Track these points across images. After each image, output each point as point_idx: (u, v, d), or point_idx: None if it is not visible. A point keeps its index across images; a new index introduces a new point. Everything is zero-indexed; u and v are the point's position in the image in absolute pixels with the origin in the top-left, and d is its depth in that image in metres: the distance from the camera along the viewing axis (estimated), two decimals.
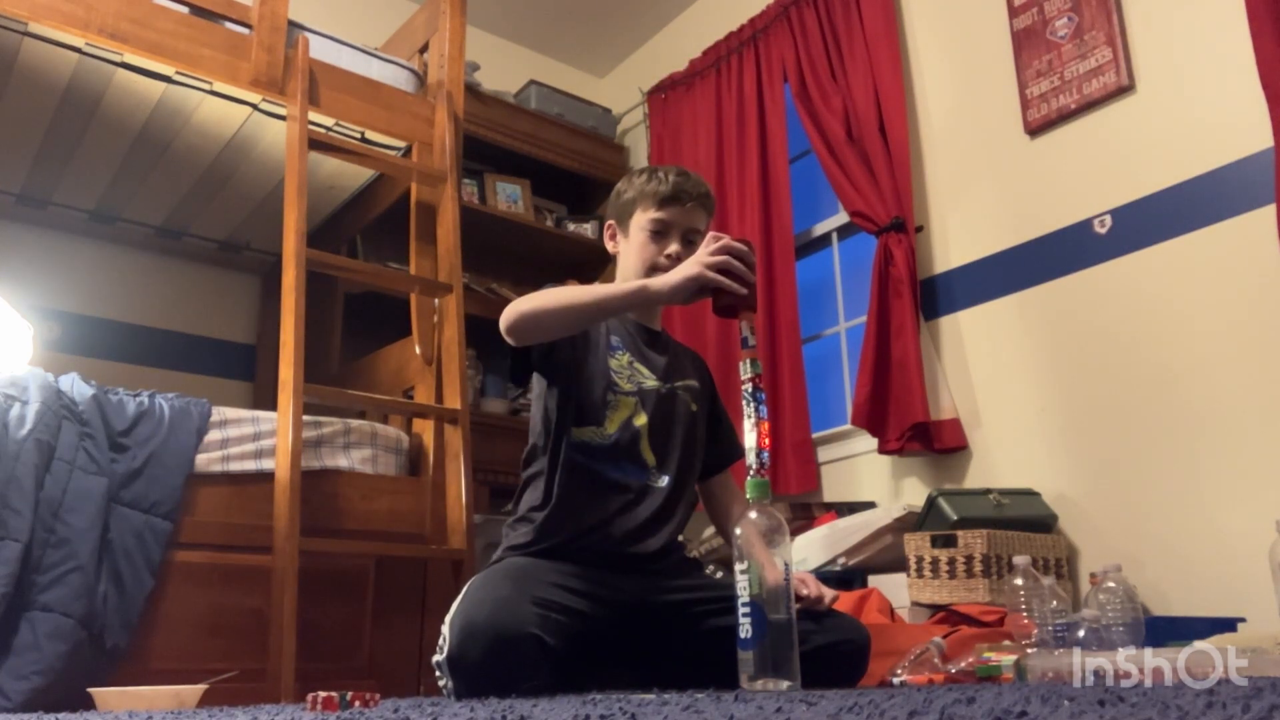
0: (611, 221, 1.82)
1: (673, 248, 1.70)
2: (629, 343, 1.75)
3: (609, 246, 1.83)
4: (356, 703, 1.17)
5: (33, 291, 2.76)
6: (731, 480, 1.89)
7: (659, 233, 1.72)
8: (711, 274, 1.41)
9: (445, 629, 1.46)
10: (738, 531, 1.32)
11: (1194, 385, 2.17)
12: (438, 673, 1.47)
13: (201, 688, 1.68)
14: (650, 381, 1.73)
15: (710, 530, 2.60)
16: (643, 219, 1.73)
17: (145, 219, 2.98)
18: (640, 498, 1.66)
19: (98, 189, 2.80)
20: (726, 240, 1.43)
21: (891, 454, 2.66)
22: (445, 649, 1.43)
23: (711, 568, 2.51)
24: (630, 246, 1.76)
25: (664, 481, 1.68)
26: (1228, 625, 1.79)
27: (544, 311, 1.51)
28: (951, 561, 2.10)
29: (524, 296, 1.55)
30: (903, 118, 2.77)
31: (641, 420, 1.68)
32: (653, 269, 1.69)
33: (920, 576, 2.15)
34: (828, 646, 1.54)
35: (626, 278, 1.75)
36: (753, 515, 1.31)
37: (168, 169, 2.70)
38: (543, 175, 3.69)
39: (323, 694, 1.15)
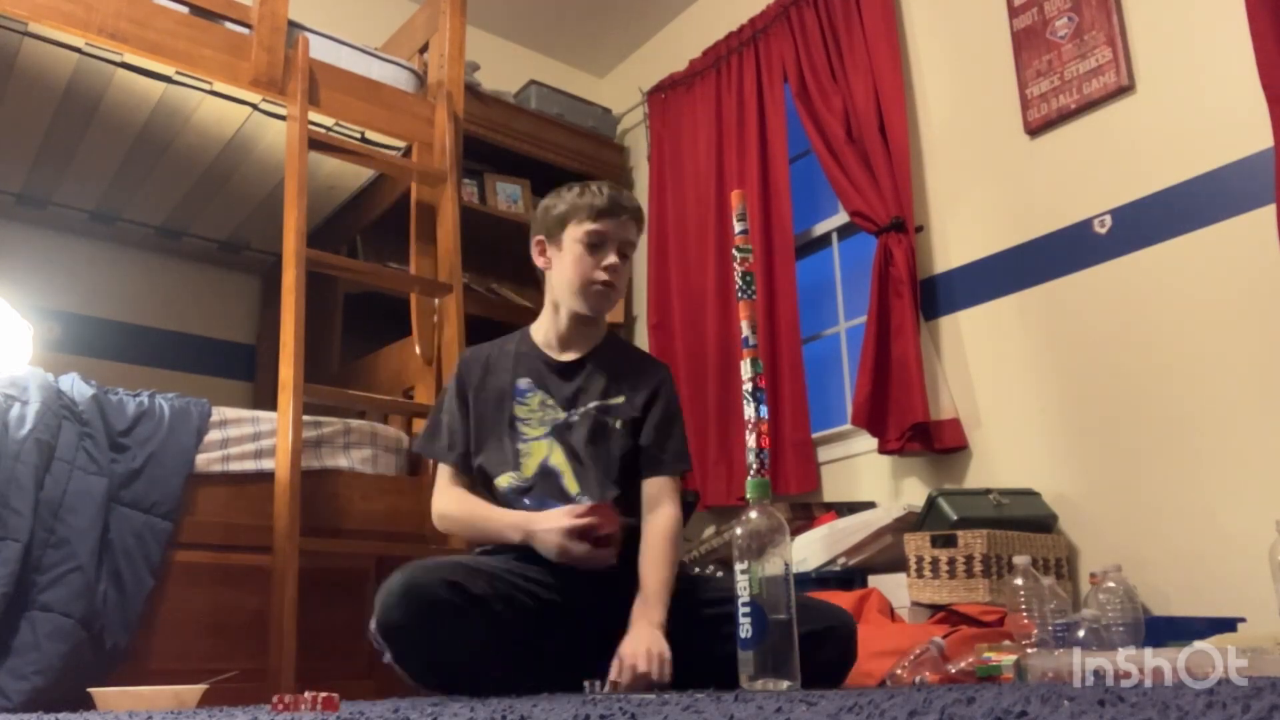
0: (540, 237, 1.80)
1: (610, 259, 1.71)
2: (538, 379, 1.76)
3: (538, 263, 1.80)
4: (316, 705, 1.18)
5: (33, 291, 2.75)
6: (654, 496, 1.71)
7: (595, 245, 1.72)
8: (571, 553, 1.53)
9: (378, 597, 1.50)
10: (737, 531, 1.32)
11: (1194, 385, 2.17)
12: (375, 645, 1.50)
13: (201, 688, 1.68)
14: (560, 414, 1.73)
15: (710, 530, 2.60)
16: (577, 231, 1.72)
17: (145, 219, 2.98)
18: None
19: (98, 189, 2.80)
20: (580, 524, 1.53)
21: (891, 454, 2.66)
22: (374, 619, 1.48)
23: (712, 568, 2.51)
24: (564, 260, 1.74)
25: (605, 497, 1.65)
26: (1228, 625, 1.79)
27: (455, 526, 1.77)
28: (951, 561, 2.10)
29: (443, 504, 1.75)
30: (903, 118, 2.77)
31: (558, 457, 1.70)
32: (590, 282, 1.71)
33: (920, 576, 2.15)
34: (813, 635, 1.51)
35: (560, 291, 1.76)
36: (753, 515, 1.31)
37: (168, 169, 2.70)
38: (543, 175, 3.68)
39: (287, 696, 1.19)
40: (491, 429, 1.73)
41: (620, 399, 1.75)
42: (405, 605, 1.44)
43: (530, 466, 1.69)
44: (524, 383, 1.76)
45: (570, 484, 1.68)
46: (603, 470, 1.69)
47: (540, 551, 1.57)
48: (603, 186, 1.76)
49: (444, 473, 1.78)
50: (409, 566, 1.50)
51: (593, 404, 1.73)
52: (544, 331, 1.81)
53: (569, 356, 1.78)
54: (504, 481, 1.70)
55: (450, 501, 1.74)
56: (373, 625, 1.48)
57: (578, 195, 1.75)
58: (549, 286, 1.80)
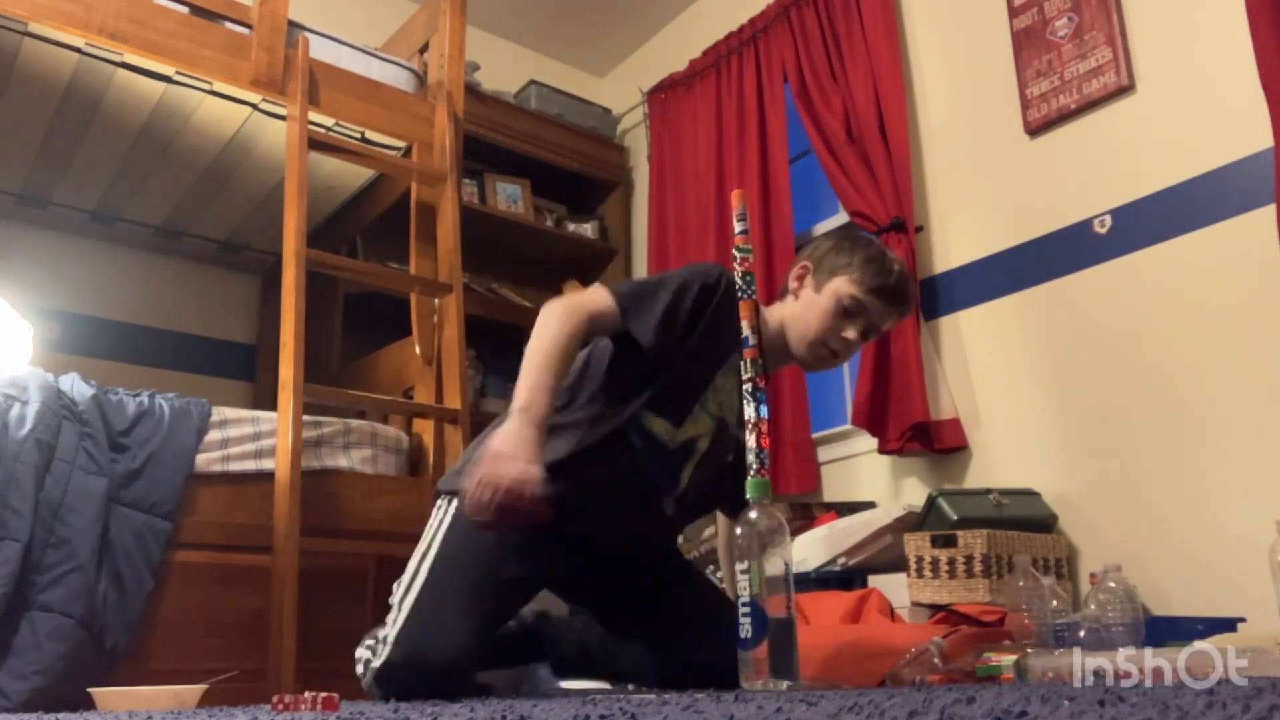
0: (808, 264, 1.71)
1: (852, 333, 1.65)
2: (740, 373, 1.55)
3: (792, 285, 1.72)
4: (316, 705, 1.18)
5: (33, 291, 2.75)
6: None
7: (850, 312, 1.65)
8: (485, 498, 1.37)
9: (387, 640, 1.46)
10: (737, 531, 1.32)
11: (1194, 385, 2.17)
12: (360, 668, 1.49)
13: (201, 688, 1.68)
14: (731, 416, 1.63)
15: (710, 530, 2.60)
16: (845, 288, 1.64)
17: (145, 219, 2.98)
18: (647, 508, 1.62)
19: (98, 189, 2.80)
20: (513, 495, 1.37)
21: (891, 454, 2.66)
22: (379, 658, 1.44)
23: (712, 568, 2.51)
24: (814, 304, 1.66)
25: (670, 509, 1.64)
26: (1228, 625, 1.79)
27: (541, 333, 1.51)
28: (951, 561, 2.10)
29: (565, 316, 1.51)
30: (903, 118, 2.77)
31: (704, 445, 1.62)
32: (823, 342, 1.65)
33: (920, 576, 2.15)
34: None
35: (792, 327, 1.68)
36: (753, 515, 1.31)
37: (168, 169, 2.70)
38: (543, 175, 3.69)
39: (287, 696, 1.19)
40: (692, 376, 1.59)
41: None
42: (418, 684, 1.41)
43: (685, 433, 1.59)
44: (734, 359, 1.57)
45: (686, 475, 1.61)
46: (701, 491, 1.64)
47: (482, 460, 1.41)
48: (895, 265, 1.67)
49: (605, 311, 1.54)
50: (428, 634, 1.42)
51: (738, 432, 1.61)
52: (767, 336, 1.66)
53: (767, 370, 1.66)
54: (654, 423, 1.56)
55: (568, 334, 1.49)
56: (376, 661, 1.45)
57: (868, 259, 1.66)
58: (787, 309, 1.71)
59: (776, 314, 1.72)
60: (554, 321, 1.50)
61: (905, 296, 1.69)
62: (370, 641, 1.53)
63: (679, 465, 1.61)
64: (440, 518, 1.58)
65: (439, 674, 1.42)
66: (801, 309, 1.69)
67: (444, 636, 1.43)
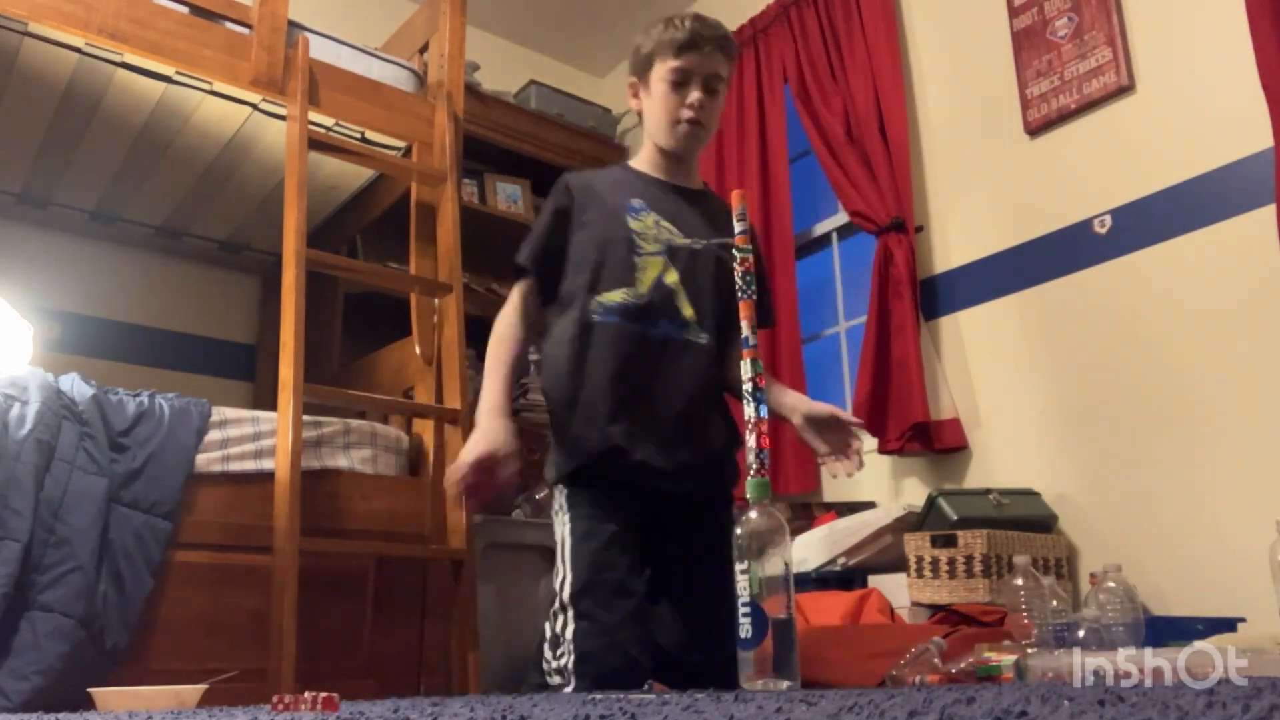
0: (633, 79, 1.78)
1: (694, 95, 1.68)
2: (654, 202, 1.73)
3: (631, 104, 1.80)
4: (316, 705, 1.18)
5: (33, 291, 2.75)
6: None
7: (679, 83, 1.69)
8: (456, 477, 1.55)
9: (566, 654, 1.54)
10: (738, 531, 1.32)
11: (1194, 385, 2.17)
12: (548, 659, 1.57)
13: (201, 688, 1.68)
14: (680, 239, 1.71)
15: None
16: (662, 69, 1.70)
17: (145, 219, 2.98)
18: (684, 354, 1.67)
19: (98, 189, 2.79)
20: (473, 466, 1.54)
21: (891, 454, 2.66)
22: (566, 670, 1.53)
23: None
24: (653, 100, 1.73)
25: (704, 339, 1.68)
26: (1228, 625, 1.79)
27: (490, 346, 1.76)
28: (951, 561, 2.10)
29: (503, 323, 1.75)
30: (903, 118, 2.77)
31: (673, 277, 1.68)
32: (676, 121, 1.70)
33: (920, 576, 2.15)
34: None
35: (652, 133, 1.77)
36: (753, 515, 1.31)
37: (168, 169, 2.70)
38: (543, 175, 3.67)
39: (287, 696, 1.19)
40: (611, 245, 1.68)
41: (734, 240, 1.74)
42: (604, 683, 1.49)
43: (645, 282, 1.67)
44: (637, 202, 1.72)
45: (685, 307, 1.68)
46: (719, 304, 1.69)
47: (479, 426, 1.61)
48: (686, 19, 1.70)
49: (519, 287, 1.76)
50: (605, 648, 1.52)
51: (714, 240, 1.72)
52: (647, 164, 1.79)
53: (682, 184, 1.78)
54: (615, 297, 1.66)
55: (506, 324, 1.74)
56: (564, 663, 1.54)
57: (661, 30, 1.71)
58: (645, 127, 1.79)
59: (646, 141, 1.79)
60: (491, 338, 1.74)
61: (707, 33, 1.70)
62: (559, 662, 1.58)
63: (669, 307, 1.67)
64: (562, 524, 1.68)
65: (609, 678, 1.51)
66: (648, 113, 1.76)
67: (613, 658, 1.52)
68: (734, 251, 1.55)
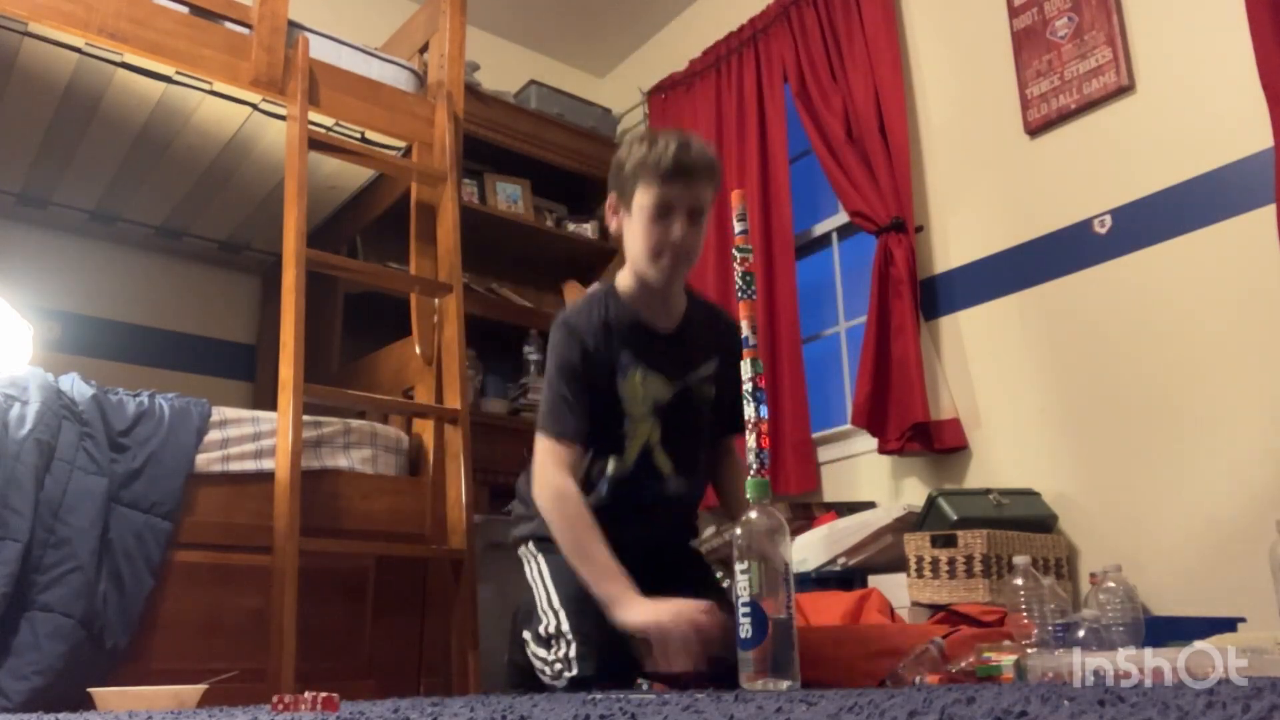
0: (613, 195, 1.70)
1: (677, 231, 1.61)
2: (639, 353, 1.68)
3: (610, 223, 1.72)
4: (316, 705, 1.18)
5: (33, 291, 2.75)
6: (728, 447, 1.85)
7: (662, 214, 1.61)
8: (667, 643, 1.40)
9: (565, 645, 1.55)
10: (737, 531, 1.32)
11: (1194, 385, 2.17)
12: (542, 657, 1.58)
13: (201, 688, 1.68)
14: (663, 392, 1.69)
15: (710, 530, 2.60)
16: (644, 198, 1.62)
17: (145, 219, 2.98)
18: (661, 509, 1.71)
19: (98, 189, 2.79)
20: (701, 623, 1.39)
21: (891, 454, 2.66)
22: (568, 659, 1.53)
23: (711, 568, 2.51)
24: (633, 226, 1.65)
25: (676, 486, 1.71)
26: (1228, 625, 1.79)
27: (554, 526, 1.60)
28: (951, 561, 2.10)
29: (553, 493, 1.60)
30: (903, 118, 2.77)
31: (655, 436, 1.68)
32: (658, 255, 1.63)
33: (920, 576, 2.15)
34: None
35: (632, 259, 1.68)
36: (753, 515, 1.31)
37: (168, 169, 2.70)
38: (543, 175, 3.69)
39: (287, 696, 1.20)
40: (601, 415, 1.65)
41: (713, 364, 1.73)
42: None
43: (634, 450, 1.66)
44: (625, 356, 1.65)
45: (664, 464, 1.67)
46: (696, 444, 1.70)
47: (622, 620, 1.46)
48: (670, 142, 1.60)
49: (560, 453, 1.61)
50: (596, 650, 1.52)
51: (694, 374, 1.70)
52: (631, 297, 1.70)
53: (667, 326, 1.70)
54: (608, 468, 1.66)
55: (562, 499, 1.58)
56: (568, 673, 1.53)
57: (645, 151, 1.62)
58: (626, 249, 1.70)
59: (628, 262, 1.71)
60: (551, 512, 1.59)
61: (692, 163, 1.61)
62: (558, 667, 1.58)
63: (650, 469, 1.68)
64: (536, 564, 1.70)
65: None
66: (629, 240, 1.68)
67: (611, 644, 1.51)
68: (734, 252, 1.55)
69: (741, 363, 1.47)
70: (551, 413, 1.64)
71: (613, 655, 1.51)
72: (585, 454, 1.65)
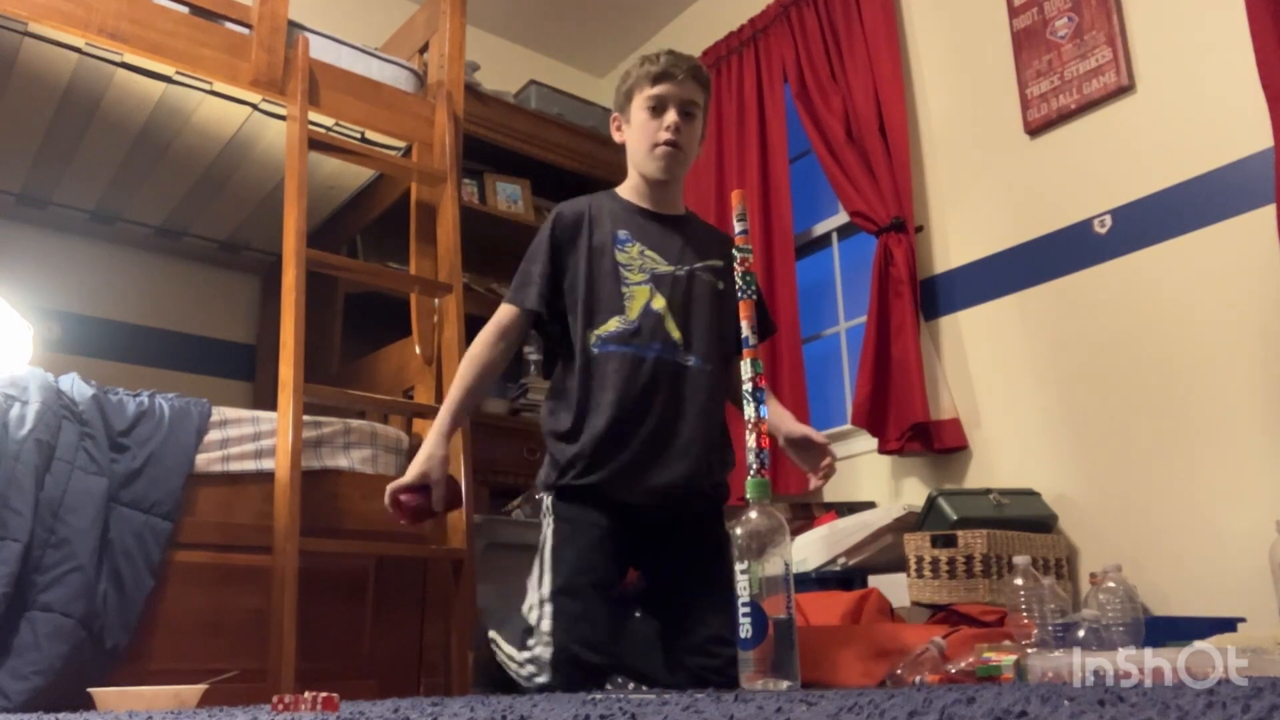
0: (616, 114, 1.89)
1: (670, 118, 1.78)
2: (638, 232, 1.81)
3: (615, 137, 1.90)
4: (316, 705, 1.18)
5: (33, 291, 2.75)
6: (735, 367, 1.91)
7: (655, 108, 1.79)
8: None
9: (542, 645, 1.59)
10: (737, 531, 1.32)
11: (1194, 385, 2.17)
12: (520, 658, 1.61)
13: (201, 688, 1.67)
14: (663, 266, 1.79)
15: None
16: (640, 99, 1.81)
17: (145, 219, 2.98)
18: (674, 376, 1.73)
19: (98, 189, 2.79)
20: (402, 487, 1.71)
21: (891, 454, 2.66)
22: (540, 660, 1.58)
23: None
24: (633, 129, 1.83)
25: (692, 360, 1.75)
26: (1228, 625, 1.79)
27: (461, 368, 1.85)
28: (951, 561, 2.10)
29: (478, 346, 1.82)
30: (903, 118, 2.77)
31: (660, 303, 1.76)
32: (654, 145, 1.78)
33: (920, 576, 2.15)
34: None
35: (634, 160, 1.85)
36: (753, 515, 1.31)
37: (168, 169, 2.70)
38: (543, 175, 3.68)
39: (287, 696, 1.20)
40: (600, 278, 1.77)
41: (719, 262, 1.83)
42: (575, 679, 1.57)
43: (634, 309, 1.75)
44: (623, 233, 1.81)
45: (673, 330, 1.75)
46: (706, 328, 1.77)
47: (424, 448, 1.74)
48: (661, 53, 1.81)
49: (501, 313, 1.82)
50: (575, 645, 1.58)
51: (700, 264, 1.81)
52: (632, 192, 1.88)
53: (664, 212, 1.86)
54: (610, 327, 1.74)
55: (480, 349, 1.80)
56: (533, 664, 1.59)
57: (638, 66, 1.82)
58: (628, 157, 1.87)
59: (631, 170, 1.88)
60: (473, 344, 1.81)
61: (680, 64, 1.80)
62: (527, 658, 1.62)
63: (659, 330, 1.74)
64: (545, 530, 1.76)
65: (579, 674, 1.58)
66: (630, 143, 1.86)
67: (589, 653, 1.59)
68: (734, 252, 1.55)
69: (741, 362, 1.47)
70: (512, 285, 1.85)
71: (585, 669, 1.56)
72: (531, 322, 1.83)
